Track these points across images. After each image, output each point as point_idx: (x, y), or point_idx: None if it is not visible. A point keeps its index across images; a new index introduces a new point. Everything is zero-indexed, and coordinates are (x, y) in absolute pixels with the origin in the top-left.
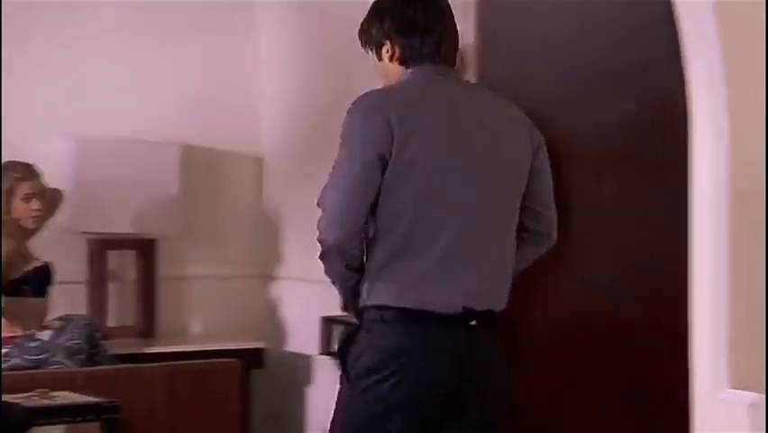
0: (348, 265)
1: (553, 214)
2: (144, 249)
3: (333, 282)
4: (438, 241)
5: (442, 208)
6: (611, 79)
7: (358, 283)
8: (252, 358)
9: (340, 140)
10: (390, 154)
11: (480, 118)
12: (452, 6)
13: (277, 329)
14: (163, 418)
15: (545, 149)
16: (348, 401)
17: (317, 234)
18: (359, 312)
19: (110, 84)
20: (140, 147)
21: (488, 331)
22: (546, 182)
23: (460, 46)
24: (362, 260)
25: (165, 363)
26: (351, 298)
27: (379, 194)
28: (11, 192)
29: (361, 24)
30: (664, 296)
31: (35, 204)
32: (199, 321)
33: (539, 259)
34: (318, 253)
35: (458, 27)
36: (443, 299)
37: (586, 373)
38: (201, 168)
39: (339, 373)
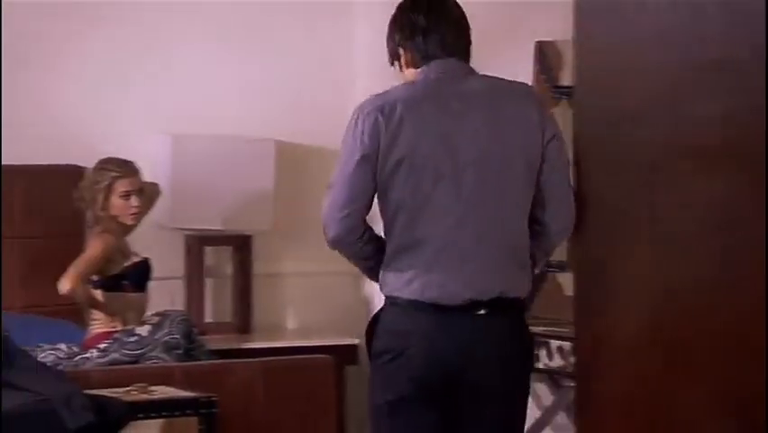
0: (355, 255)
1: (566, 208)
2: (240, 245)
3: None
4: (435, 234)
5: (437, 202)
6: (713, 73)
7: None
8: (347, 354)
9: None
10: (378, 153)
11: (483, 110)
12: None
13: None
14: (259, 413)
15: (559, 143)
16: (370, 380)
17: (323, 217)
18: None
19: (207, 82)
20: (236, 144)
21: (500, 318)
22: (559, 176)
23: (557, 41)
24: (373, 249)
25: (261, 358)
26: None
27: (378, 191)
28: (109, 189)
29: (386, 43)
30: (756, 307)
31: (134, 201)
32: (294, 317)
33: (620, 262)
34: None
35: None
36: (445, 291)
37: (666, 384)
38: (296, 164)
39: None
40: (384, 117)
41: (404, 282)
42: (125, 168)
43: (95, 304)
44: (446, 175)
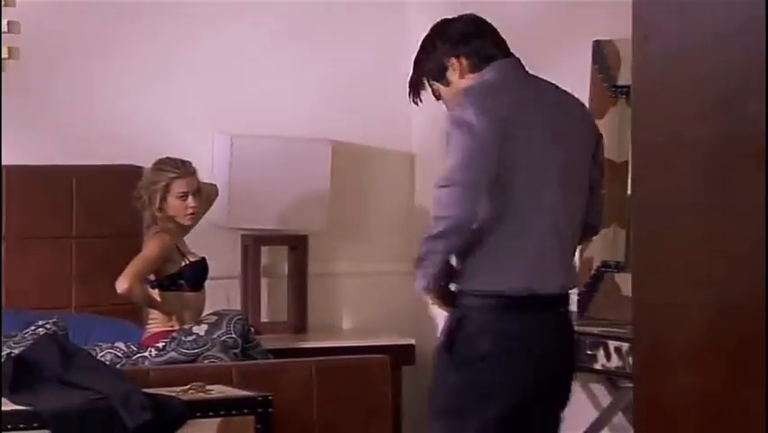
0: (458, 245)
1: (602, 207)
2: (296, 245)
3: (425, 265)
4: (533, 232)
5: (539, 199)
6: None
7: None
8: (403, 354)
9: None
10: (499, 147)
11: (560, 112)
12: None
13: (427, 326)
14: (314, 412)
15: (603, 145)
16: (454, 386)
17: (437, 211)
18: (448, 296)
19: (264, 83)
20: (292, 144)
21: (567, 314)
22: (602, 179)
23: (615, 40)
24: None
25: (316, 358)
26: (443, 280)
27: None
28: (167, 189)
29: (415, 66)
30: None
31: (191, 201)
32: (349, 317)
33: (679, 262)
34: (434, 232)
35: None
36: (543, 285)
37: (727, 386)
38: (352, 164)
39: (441, 359)
40: (503, 118)
41: (505, 277)
42: (183, 168)
43: (152, 303)
44: (541, 173)
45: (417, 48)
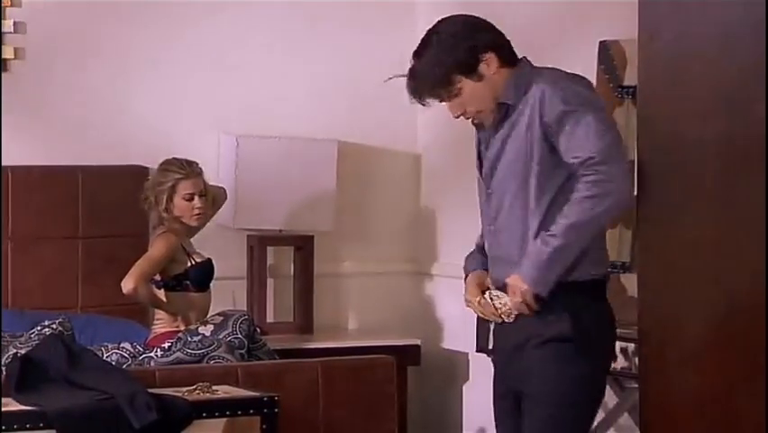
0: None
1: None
2: (302, 246)
3: (561, 257)
4: None
5: None
6: None
7: None
8: (409, 355)
9: (580, 105)
10: None
11: None
12: None
13: (433, 326)
14: (320, 412)
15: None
16: (588, 376)
17: (606, 182)
18: (562, 287)
19: (270, 83)
20: (298, 145)
21: None
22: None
23: (621, 40)
24: None
25: (322, 358)
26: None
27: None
28: (173, 190)
29: (437, 61)
30: None
31: (197, 202)
32: (355, 317)
33: (685, 262)
34: (598, 206)
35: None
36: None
37: (732, 387)
38: (358, 165)
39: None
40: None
41: (602, 261)
42: (189, 169)
43: (157, 304)
44: None
45: (434, 43)
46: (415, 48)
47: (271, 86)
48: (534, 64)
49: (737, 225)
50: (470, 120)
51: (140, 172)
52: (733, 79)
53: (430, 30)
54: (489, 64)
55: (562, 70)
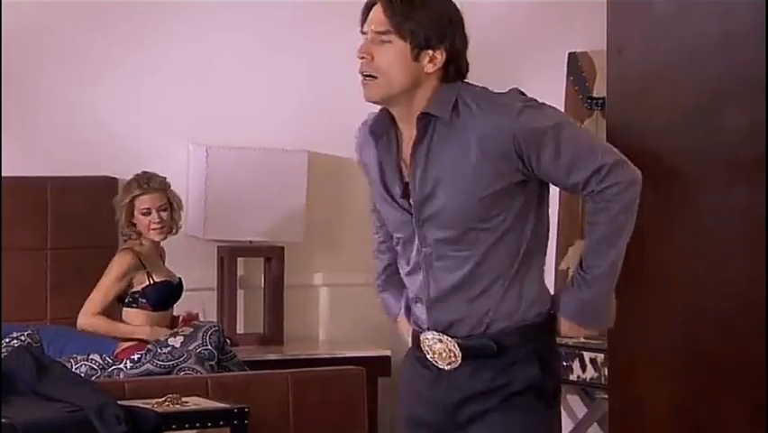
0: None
1: None
2: (272, 256)
3: (614, 272)
4: None
5: None
6: (746, 85)
7: None
8: (379, 366)
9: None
10: None
11: None
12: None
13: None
14: (290, 424)
15: None
16: (551, 423)
17: (622, 175)
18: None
19: (241, 94)
20: (269, 156)
21: None
22: None
23: (590, 51)
24: None
25: (292, 369)
26: None
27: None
28: (132, 206)
29: (406, 4)
30: None
31: (154, 217)
32: (326, 328)
33: (655, 274)
34: (629, 199)
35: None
36: None
37: (700, 396)
38: (329, 176)
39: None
40: None
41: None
42: (146, 185)
43: (114, 333)
44: None
45: None
46: None
47: (241, 96)
48: (502, 76)
49: (706, 237)
50: (359, 71)
51: (109, 183)
52: (702, 91)
53: None
54: (434, 62)
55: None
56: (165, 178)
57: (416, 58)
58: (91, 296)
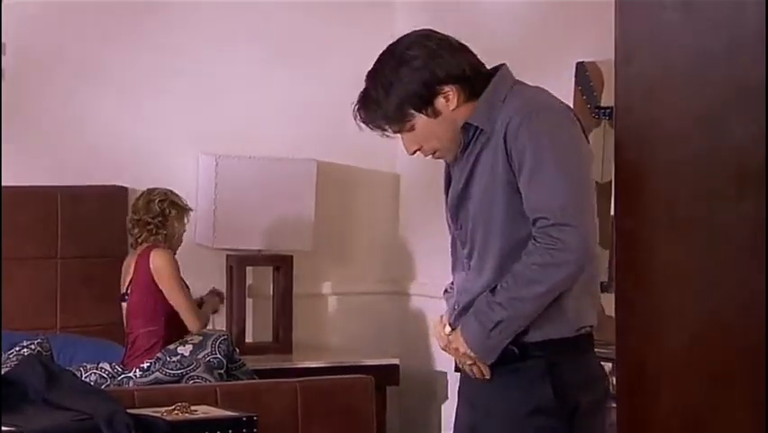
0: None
1: None
2: (281, 265)
3: (510, 327)
4: None
5: None
6: (754, 93)
7: None
8: (388, 374)
9: (548, 145)
10: None
11: None
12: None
13: (412, 346)
14: (299, 432)
15: None
16: None
17: (558, 250)
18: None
19: (249, 103)
20: (277, 165)
21: None
22: None
23: (598, 61)
24: None
25: (301, 378)
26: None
27: None
28: (183, 223)
29: (389, 96)
30: None
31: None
32: (334, 337)
33: (662, 283)
34: (546, 279)
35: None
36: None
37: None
38: (337, 185)
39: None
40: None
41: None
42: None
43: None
44: None
45: (390, 66)
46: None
47: (250, 106)
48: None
49: (715, 246)
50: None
51: (119, 193)
52: (710, 101)
53: (389, 47)
54: (449, 99)
55: (545, 93)
56: None
57: (434, 114)
58: (180, 306)
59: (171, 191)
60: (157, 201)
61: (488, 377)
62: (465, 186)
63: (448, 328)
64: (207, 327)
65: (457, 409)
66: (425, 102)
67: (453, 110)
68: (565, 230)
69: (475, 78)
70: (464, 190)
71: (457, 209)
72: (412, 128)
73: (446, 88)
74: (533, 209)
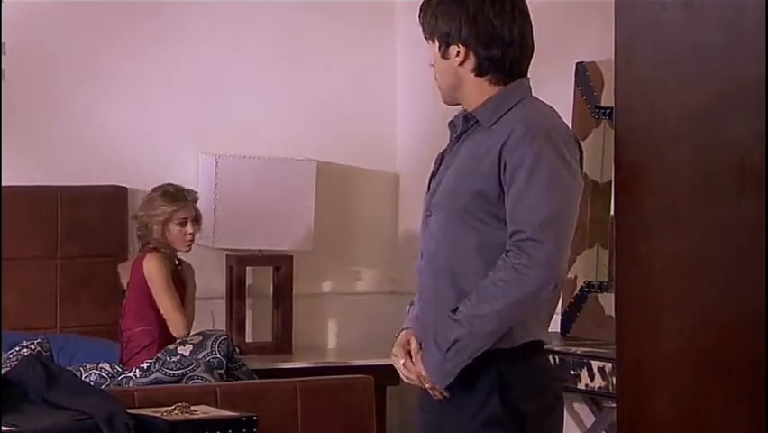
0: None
1: None
2: (281, 265)
3: (467, 348)
4: None
5: None
6: (755, 92)
7: None
8: (388, 375)
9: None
10: None
11: None
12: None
13: None
14: (299, 432)
15: None
16: None
17: (526, 267)
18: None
19: (249, 103)
20: (277, 164)
21: None
22: None
23: (598, 61)
24: None
25: (301, 378)
26: None
27: None
28: (169, 218)
29: (433, 13)
30: None
31: (189, 228)
32: (334, 337)
33: (662, 282)
34: (510, 295)
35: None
36: None
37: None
38: (337, 185)
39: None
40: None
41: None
42: (185, 197)
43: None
44: None
45: None
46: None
47: (250, 106)
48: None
49: (715, 245)
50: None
51: (119, 193)
52: (709, 100)
53: None
54: (459, 56)
55: (553, 113)
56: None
57: (445, 55)
58: (167, 311)
59: (167, 190)
60: (141, 216)
61: (447, 396)
62: (445, 169)
63: (415, 343)
64: (207, 328)
65: (417, 421)
66: (442, 41)
67: (460, 65)
68: (537, 246)
69: (497, 66)
70: (443, 173)
71: (431, 196)
72: (432, 43)
73: (460, 48)
74: (513, 222)
